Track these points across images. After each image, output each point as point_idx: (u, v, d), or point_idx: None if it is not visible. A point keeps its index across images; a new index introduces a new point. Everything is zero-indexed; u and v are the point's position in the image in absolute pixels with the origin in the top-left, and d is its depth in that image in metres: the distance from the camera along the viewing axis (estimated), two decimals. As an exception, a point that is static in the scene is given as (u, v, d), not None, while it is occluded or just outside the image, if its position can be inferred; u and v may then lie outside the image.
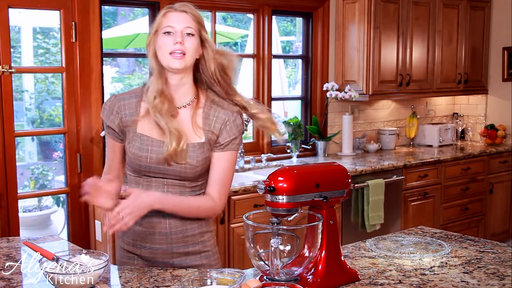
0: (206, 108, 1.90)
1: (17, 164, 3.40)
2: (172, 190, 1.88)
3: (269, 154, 4.33)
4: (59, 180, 5.56)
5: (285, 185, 1.60)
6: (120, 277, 1.81)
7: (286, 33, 6.82)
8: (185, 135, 1.83)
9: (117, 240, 2.06)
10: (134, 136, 1.87)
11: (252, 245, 1.63)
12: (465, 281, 1.74)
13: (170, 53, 1.80)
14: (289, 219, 1.68)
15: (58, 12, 3.45)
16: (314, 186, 1.65)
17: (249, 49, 5.28)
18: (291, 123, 4.39)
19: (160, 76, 1.84)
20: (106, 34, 5.19)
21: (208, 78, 1.90)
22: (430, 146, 5.22)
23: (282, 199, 1.61)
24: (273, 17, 4.45)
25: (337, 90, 4.51)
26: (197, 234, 1.95)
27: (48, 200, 5.77)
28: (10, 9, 3.26)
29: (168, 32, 1.80)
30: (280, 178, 1.60)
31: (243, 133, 1.97)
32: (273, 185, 1.61)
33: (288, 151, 4.47)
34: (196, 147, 1.86)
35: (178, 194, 1.88)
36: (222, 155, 1.90)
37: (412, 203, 4.50)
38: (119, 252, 2.03)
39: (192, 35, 1.82)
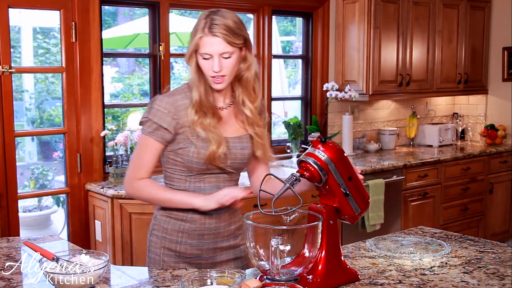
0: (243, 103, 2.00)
1: (17, 164, 3.40)
2: (223, 184, 1.97)
3: (269, 154, 4.32)
4: (59, 180, 5.56)
5: (334, 151, 1.68)
6: (120, 277, 1.81)
7: (286, 33, 6.82)
8: (224, 141, 1.92)
9: (152, 239, 2.05)
10: (194, 136, 1.92)
11: (252, 245, 1.63)
12: (465, 281, 1.74)
13: (211, 76, 1.89)
14: (289, 219, 1.68)
15: (58, 12, 3.45)
16: (347, 177, 1.70)
17: (249, 49, 5.27)
18: (291, 123, 4.39)
19: (198, 87, 1.91)
20: (106, 34, 5.19)
21: (244, 85, 1.98)
22: (430, 146, 5.22)
23: (323, 156, 1.65)
24: (273, 17, 4.45)
25: (337, 90, 4.51)
26: (238, 227, 2.06)
27: (48, 200, 5.76)
28: (10, 9, 3.26)
29: (207, 58, 1.86)
30: (334, 146, 1.69)
31: None
32: (324, 139, 1.69)
33: (288, 151, 4.47)
34: (245, 138, 2.00)
35: (228, 186, 1.99)
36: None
37: (412, 203, 4.50)
38: (155, 252, 2.03)
39: (229, 57, 1.87)
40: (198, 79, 1.91)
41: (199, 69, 1.90)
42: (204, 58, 1.86)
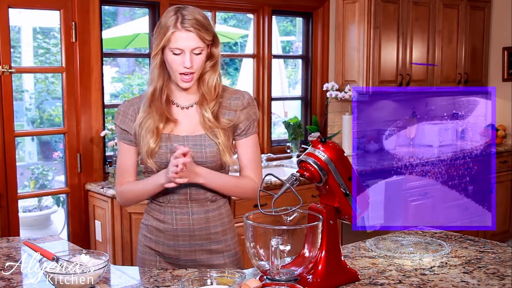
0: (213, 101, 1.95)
1: (17, 164, 3.40)
2: (196, 184, 1.92)
3: (269, 154, 4.33)
4: (59, 180, 5.56)
5: (334, 151, 1.67)
6: (120, 277, 1.81)
7: (286, 33, 6.83)
8: (157, 138, 1.90)
9: (138, 237, 2.09)
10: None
11: (252, 245, 1.63)
12: (465, 281, 1.74)
13: (180, 73, 1.87)
14: (289, 219, 1.68)
15: (58, 12, 3.45)
16: (347, 177, 1.70)
17: (249, 49, 5.28)
18: (291, 123, 4.39)
19: (156, 82, 1.91)
20: (106, 34, 5.19)
21: (205, 83, 1.95)
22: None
23: (323, 156, 1.65)
24: (273, 17, 4.45)
25: (337, 90, 4.51)
26: (220, 232, 2.00)
27: (48, 200, 5.76)
28: (10, 9, 3.26)
29: (177, 54, 1.85)
30: (334, 146, 1.67)
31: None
32: (324, 139, 1.67)
33: (288, 151, 4.47)
34: (205, 137, 1.93)
35: (200, 187, 1.94)
36: (245, 141, 2.00)
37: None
38: (140, 249, 2.06)
39: (200, 53, 1.87)
40: (158, 75, 1.90)
41: (162, 66, 1.90)
42: (175, 54, 1.84)
